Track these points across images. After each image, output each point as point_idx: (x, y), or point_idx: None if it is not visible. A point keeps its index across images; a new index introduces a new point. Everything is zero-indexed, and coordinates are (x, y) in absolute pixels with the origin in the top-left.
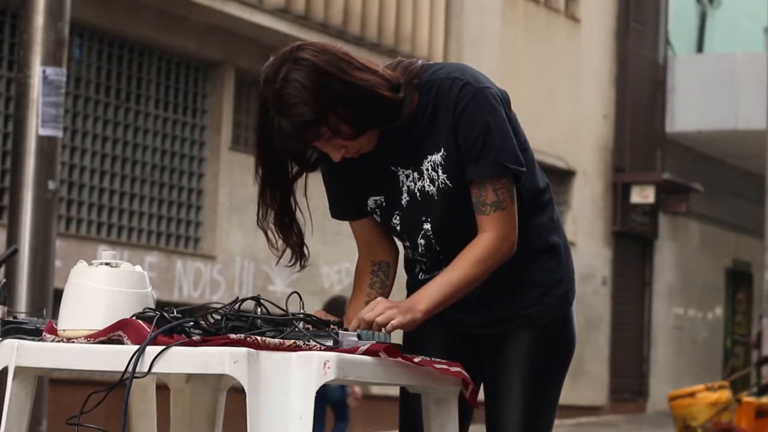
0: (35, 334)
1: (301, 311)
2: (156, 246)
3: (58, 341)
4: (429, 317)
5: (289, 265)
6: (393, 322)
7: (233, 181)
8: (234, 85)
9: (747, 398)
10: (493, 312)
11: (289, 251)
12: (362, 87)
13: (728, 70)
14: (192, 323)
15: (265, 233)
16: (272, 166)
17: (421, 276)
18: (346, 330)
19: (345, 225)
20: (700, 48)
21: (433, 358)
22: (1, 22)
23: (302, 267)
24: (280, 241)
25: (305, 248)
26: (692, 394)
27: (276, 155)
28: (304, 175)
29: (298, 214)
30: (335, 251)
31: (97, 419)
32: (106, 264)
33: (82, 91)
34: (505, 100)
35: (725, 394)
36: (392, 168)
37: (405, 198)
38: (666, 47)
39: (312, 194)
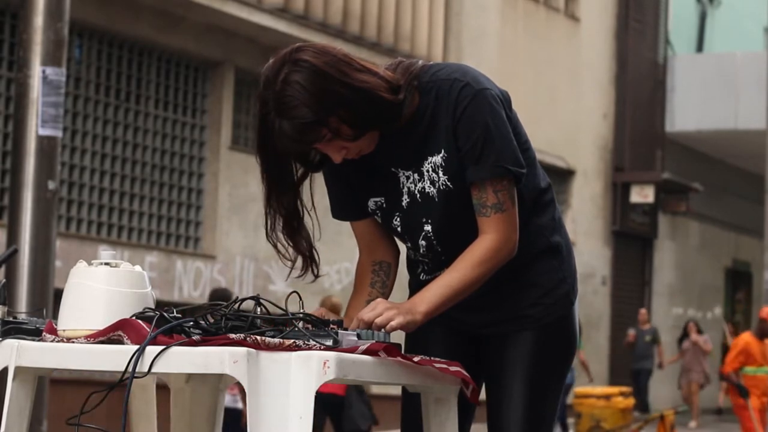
0: (35, 334)
1: (301, 311)
2: (156, 246)
3: (58, 341)
4: (429, 319)
5: (301, 275)
6: (392, 323)
7: (233, 181)
8: (233, 85)
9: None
10: (494, 312)
11: (300, 260)
12: (362, 89)
13: (728, 70)
14: (192, 323)
15: (275, 246)
16: (276, 168)
17: (423, 276)
18: (346, 330)
19: (345, 225)
20: (700, 47)
21: (432, 358)
22: (1, 22)
23: (315, 276)
24: (290, 251)
25: (315, 253)
26: (607, 397)
27: (279, 157)
28: (309, 177)
29: (306, 218)
30: (335, 251)
31: (98, 419)
32: (106, 264)
33: (82, 91)
34: (505, 100)
35: (632, 401)
36: (393, 169)
37: (405, 199)
38: (666, 47)
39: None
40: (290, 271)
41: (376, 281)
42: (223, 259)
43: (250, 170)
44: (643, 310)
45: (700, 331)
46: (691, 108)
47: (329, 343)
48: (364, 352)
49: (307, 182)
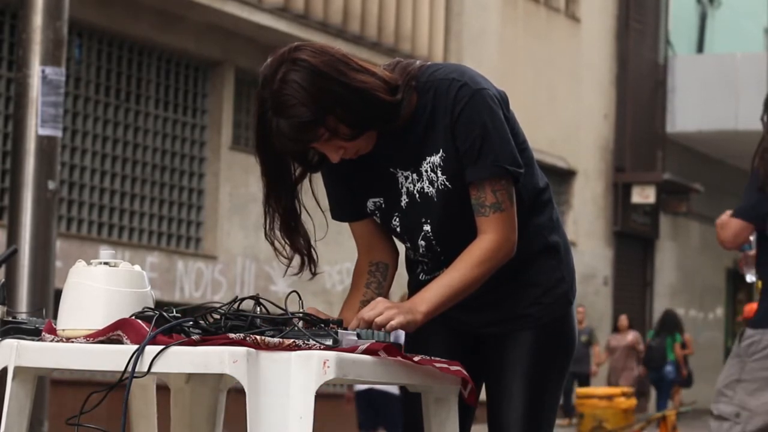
0: (35, 334)
1: (301, 310)
2: (157, 246)
3: (58, 341)
4: (429, 319)
5: (298, 273)
6: (392, 322)
7: (234, 181)
8: (234, 85)
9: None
10: (494, 312)
11: (297, 259)
12: (360, 89)
13: (728, 71)
14: (191, 323)
15: (272, 244)
16: (275, 168)
17: (422, 276)
18: (346, 329)
19: (345, 225)
20: (700, 48)
21: (432, 357)
22: (1, 22)
23: (313, 274)
24: (288, 249)
25: (313, 252)
26: (609, 398)
27: (277, 157)
28: (308, 177)
29: (305, 217)
30: (336, 251)
31: (97, 419)
32: (105, 263)
33: (82, 91)
34: (503, 100)
35: (634, 402)
36: (391, 169)
37: (404, 199)
38: (666, 47)
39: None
40: (287, 269)
41: (372, 282)
42: (224, 260)
43: (250, 170)
44: (580, 308)
45: (631, 326)
46: (692, 108)
47: (329, 342)
48: (364, 352)
49: (308, 182)
